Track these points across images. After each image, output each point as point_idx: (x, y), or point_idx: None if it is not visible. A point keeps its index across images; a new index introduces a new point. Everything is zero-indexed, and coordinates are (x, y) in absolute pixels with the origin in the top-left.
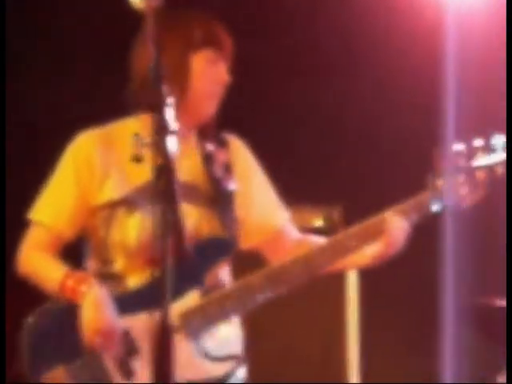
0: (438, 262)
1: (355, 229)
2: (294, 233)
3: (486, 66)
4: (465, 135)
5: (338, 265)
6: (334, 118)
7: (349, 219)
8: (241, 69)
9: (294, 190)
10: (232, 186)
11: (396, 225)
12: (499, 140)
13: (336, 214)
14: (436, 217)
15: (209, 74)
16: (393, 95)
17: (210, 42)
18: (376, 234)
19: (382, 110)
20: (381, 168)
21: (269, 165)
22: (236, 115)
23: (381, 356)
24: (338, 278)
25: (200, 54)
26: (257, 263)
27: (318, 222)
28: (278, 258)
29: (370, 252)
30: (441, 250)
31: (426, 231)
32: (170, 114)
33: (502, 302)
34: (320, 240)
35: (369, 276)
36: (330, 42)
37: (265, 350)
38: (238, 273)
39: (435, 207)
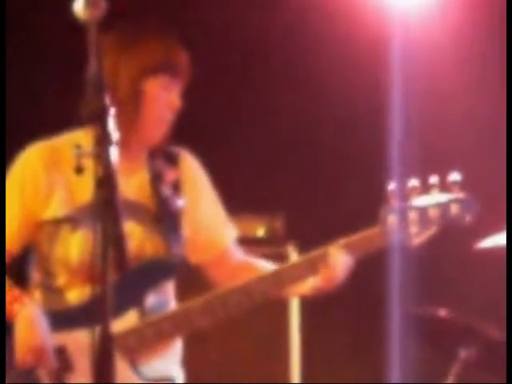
0: (383, 272)
1: (297, 261)
2: (238, 254)
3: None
4: (419, 170)
5: (278, 294)
6: (281, 129)
7: (291, 228)
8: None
9: (237, 198)
10: (179, 203)
11: (338, 260)
12: (455, 178)
13: (278, 223)
14: None
15: (162, 99)
16: (343, 112)
17: (166, 67)
18: (317, 267)
19: (328, 122)
20: (325, 179)
21: (212, 173)
22: (181, 125)
23: (325, 364)
24: None
25: (155, 80)
26: None
27: (260, 232)
28: (220, 278)
29: (310, 284)
30: (386, 261)
31: None
32: (111, 124)
33: (445, 313)
34: (261, 264)
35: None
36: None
37: (205, 359)
38: None
39: (384, 243)
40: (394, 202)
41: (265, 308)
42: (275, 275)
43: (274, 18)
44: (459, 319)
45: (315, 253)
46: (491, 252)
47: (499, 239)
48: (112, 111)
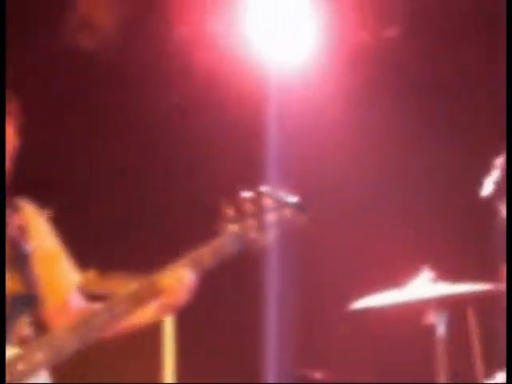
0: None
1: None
2: (80, 301)
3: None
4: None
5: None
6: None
7: None
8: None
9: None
10: (28, 247)
11: (181, 278)
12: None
13: None
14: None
15: None
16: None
17: None
18: (158, 291)
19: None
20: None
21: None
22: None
23: None
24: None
25: None
26: None
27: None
28: (59, 324)
29: (154, 307)
30: (263, 311)
31: (246, 289)
32: None
33: (320, 375)
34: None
35: (188, 329)
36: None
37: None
38: None
39: (229, 251)
40: (230, 212)
41: (138, 353)
42: (133, 294)
43: (146, 84)
44: (335, 381)
45: (155, 277)
46: (364, 313)
47: (371, 301)
48: None
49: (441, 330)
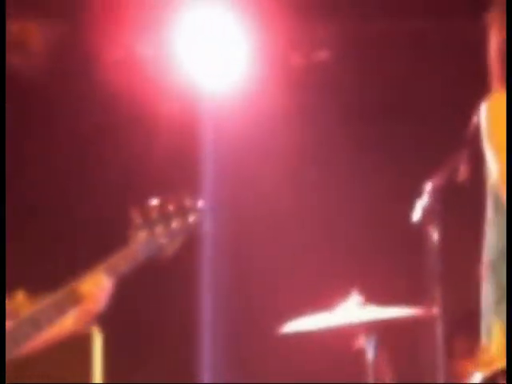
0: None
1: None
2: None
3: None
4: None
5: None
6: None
7: None
8: None
9: None
10: None
11: (100, 285)
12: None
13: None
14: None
15: None
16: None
17: None
18: (76, 299)
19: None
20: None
21: None
22: None
23: None
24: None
25: None
26: None
27: None
28: None
29: (74, 315)
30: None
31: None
32: None
33: None
34: None
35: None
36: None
37: None
38: None
39: (141, 256)
40: (139, 220)
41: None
42: (52, 304)
43: (74, 107)
44: None
45: (70, 286)
46: (292, 336)
47: (299, 324)
48: None
49: (370, 353)
